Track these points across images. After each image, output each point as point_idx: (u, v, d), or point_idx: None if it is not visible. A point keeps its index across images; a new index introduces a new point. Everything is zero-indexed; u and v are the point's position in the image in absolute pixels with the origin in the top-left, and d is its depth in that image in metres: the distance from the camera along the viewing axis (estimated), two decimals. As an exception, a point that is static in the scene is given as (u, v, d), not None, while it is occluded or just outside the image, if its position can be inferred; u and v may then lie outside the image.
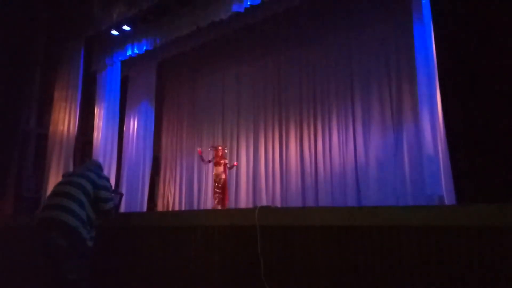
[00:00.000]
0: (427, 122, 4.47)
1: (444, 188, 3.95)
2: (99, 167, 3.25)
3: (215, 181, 6.22)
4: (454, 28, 3.71)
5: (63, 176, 3.26)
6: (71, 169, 6.64)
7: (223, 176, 6.22)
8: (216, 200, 6.19)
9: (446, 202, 3.84)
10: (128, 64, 7.57)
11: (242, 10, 5.47)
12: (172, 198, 8.30)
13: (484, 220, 2.03)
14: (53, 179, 6.30)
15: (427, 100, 4.45)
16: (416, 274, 2.14)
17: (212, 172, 7.77)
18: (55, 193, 2.92)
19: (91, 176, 2.95)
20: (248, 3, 5.38)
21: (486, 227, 2.01)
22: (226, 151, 7.06)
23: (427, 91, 4.42)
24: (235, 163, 6.90)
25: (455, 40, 3.71)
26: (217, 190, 6.16)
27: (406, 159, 5.64)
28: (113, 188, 3.50)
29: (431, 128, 4.40)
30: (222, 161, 6.27)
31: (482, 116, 3.41)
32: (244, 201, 7.20)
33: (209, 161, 6.36)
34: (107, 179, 3.14)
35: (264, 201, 6.84)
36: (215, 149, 6.32)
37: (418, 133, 5.18)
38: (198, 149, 6.60)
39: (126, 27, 6.81)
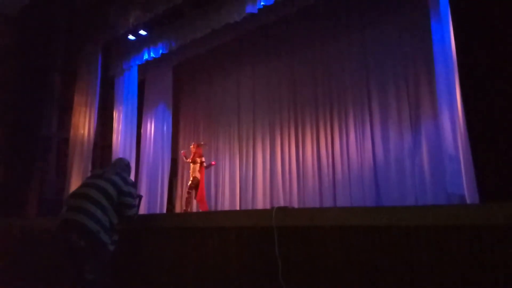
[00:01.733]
0: (447, 120, 4.37)
1: (465, 187, 3.86)
2: (127, 169, 3.19)
3: (190, 181, 6.09)
4: (474, 22, 3.61)
5: (91, 172, 3.25)
6: (89, 172, 6.78)
7: (197, 175, 6.09)
8: (186, 201, 5.99)
9: (468, 201, 3.74)
10: (145, 68, 7.70)
11: (255, 11, 5.48)
12: (190, 199, 8.36)
13: (508, 219, 1.97)
14: (75, 182, 6.45)
15: (446, 96, 4.35)
16: (437, 274, 2.09)
17: (229, 172, 7.85)
18: (77, 194, 2.90)
19: (117, 181, 2.89)
20: (262, 3, 5.38)
21: (510, 227, 1.95)
22: (206, 147, 6.93)
23: (446, 88, 4.32)
24: (212, 162, 6.85)
25: (475, 34, 3.61)
26: (189, 191, 6.02)
27: (425, 157, 5.53)
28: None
29: (451, 126, 4.30)
30: (198, 159, 6.15)
31: (505, 112, 3.30)
32: (261, 202, 7.20)
33: (190, 161, 6.32)
34: (133, 185, 3.07)
35: (281, 202, 6.83)
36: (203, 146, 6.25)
37: (438, 131, 5.07)
38: (182, 151, 6.61)
39: (142, 32, 6.94)
